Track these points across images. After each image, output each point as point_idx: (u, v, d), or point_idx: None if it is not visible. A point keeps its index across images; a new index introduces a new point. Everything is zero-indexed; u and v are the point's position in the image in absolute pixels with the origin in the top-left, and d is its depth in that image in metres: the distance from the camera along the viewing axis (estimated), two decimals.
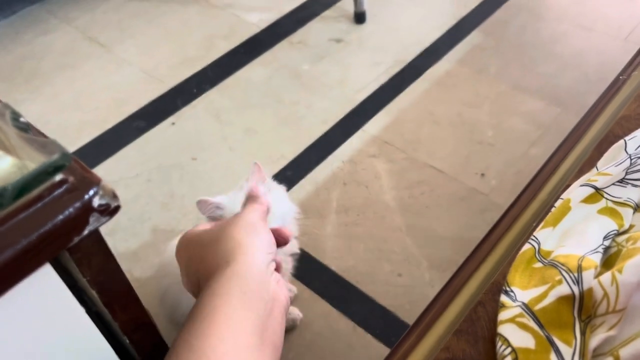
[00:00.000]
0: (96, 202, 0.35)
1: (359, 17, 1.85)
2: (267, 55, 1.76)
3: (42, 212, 0.33)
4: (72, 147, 1.50)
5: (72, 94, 1.67)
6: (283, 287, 0.47)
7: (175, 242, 1.00)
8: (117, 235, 1.28)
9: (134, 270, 1.22)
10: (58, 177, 0.33)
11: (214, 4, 1.98)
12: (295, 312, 1.13)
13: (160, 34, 1.87)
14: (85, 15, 1.95)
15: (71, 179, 0.34)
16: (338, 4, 1.94)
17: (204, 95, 1.64)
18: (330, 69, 1.70)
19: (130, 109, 1.60)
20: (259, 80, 1.68)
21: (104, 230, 0.37)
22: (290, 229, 0.90)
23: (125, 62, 1.76)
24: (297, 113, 1.57)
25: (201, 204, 0.83)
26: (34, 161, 0.32)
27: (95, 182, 0.35)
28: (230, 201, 0.84)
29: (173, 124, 1.56)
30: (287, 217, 0.88)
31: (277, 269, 0.48)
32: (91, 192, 0.34)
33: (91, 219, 0.35)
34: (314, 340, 1.10)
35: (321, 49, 1.77)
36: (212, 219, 0.84)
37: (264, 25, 1.87)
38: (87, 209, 0.34)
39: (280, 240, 0.50)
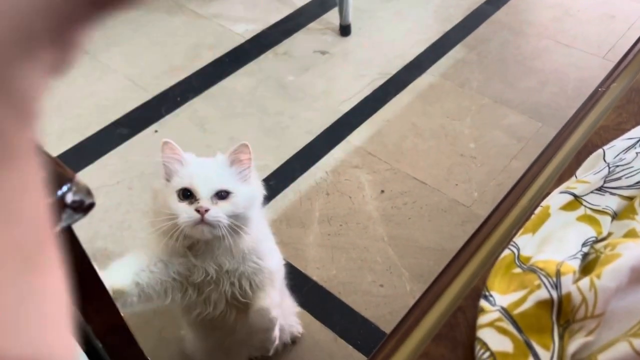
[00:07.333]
0: (69, 198, 0.34)
1: (344, 30, 1.87)
2: (252, 65, 1.76)
3: None
4: (52, 153, 1.47)
5: (54, 100, 1.65)
6: None
7: None
8: (96, 243, 1.26)
9: None
10: None
11: (200, 14, 1.98)
12: (295, 327, 1.07)
13: (146, 43, 1.86)
14: None
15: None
16: (324, 17, 1.96)
17: (188, 104, 1.63)
18: (315, 81, 1.71)
19: (113, 116, 1.59)
20: (244, 90, 1.68)
21: (84, 237, 0.37)
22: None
23: (110, 70, 1.75)
24: (281, 123, 1.57)
25: (166, 147, 0.75)
26: None
27: (69, 177, 0.34)
28: (195, 165, 0.75)
29: (156, 131, 1.55)
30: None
31: None
32: (64, 188, 0.34)
33: (64, 216, 0.34)
34: (295, 351, 1.09)
35: (306, 60, 1.78)
36: (166, 167, 0.76)
37: (249, 35, 1.87)
38: (60, 205, 0.34)
39: None
